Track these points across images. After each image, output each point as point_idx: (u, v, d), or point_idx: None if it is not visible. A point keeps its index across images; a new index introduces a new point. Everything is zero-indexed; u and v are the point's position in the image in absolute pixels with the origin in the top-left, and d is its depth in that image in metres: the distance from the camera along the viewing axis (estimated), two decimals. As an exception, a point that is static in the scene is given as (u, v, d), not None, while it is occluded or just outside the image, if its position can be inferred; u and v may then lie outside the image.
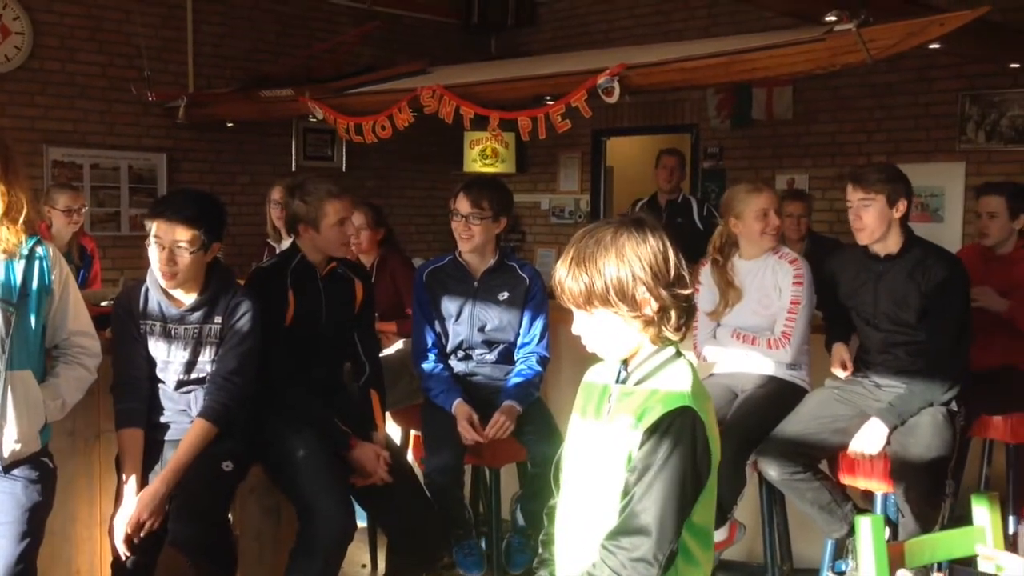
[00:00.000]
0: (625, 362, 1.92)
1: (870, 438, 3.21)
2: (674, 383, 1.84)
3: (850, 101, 6.79)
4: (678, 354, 1.88)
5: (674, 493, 1.76)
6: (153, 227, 2.98)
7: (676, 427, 1.78)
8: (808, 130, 7.05)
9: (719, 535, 3.47)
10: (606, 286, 1.81)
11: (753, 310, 3.54)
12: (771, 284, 3.51)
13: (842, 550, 3.36)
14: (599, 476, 1.87)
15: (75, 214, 5.02)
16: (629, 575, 1.78)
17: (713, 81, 5.62)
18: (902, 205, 3.28)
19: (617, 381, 1.92)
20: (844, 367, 3.46)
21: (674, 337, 1.87)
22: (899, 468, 3.15)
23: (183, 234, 2.95)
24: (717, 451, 1.85)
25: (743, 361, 3.56)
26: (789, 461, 3.27)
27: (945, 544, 2.28)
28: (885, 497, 3.30)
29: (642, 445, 1.80)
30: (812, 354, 3.60)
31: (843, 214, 6.36)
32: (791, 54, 4.40)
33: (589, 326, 1.87)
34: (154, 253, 2.98)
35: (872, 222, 3.27)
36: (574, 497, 1.95)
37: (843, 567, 3.34)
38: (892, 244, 3.32)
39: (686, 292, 1.84)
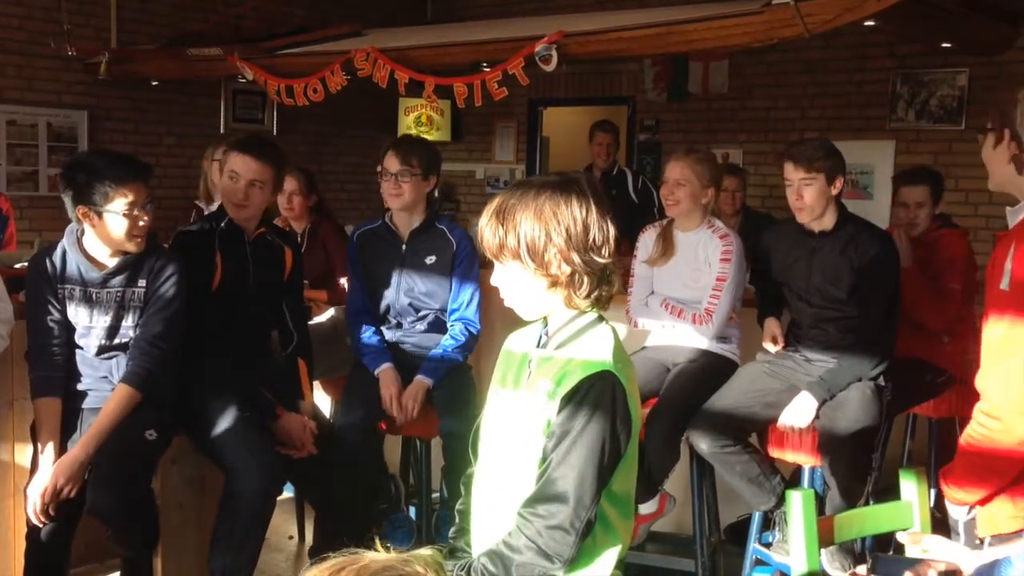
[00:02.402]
0: (548, 328, 1.90)
1: (799, 411, 3.24)
2: (594, 348, 1.82)
3: (785, 77, 6.84)
4: (600, 319, 1.86)
5: (592, 460, 1.75)
6: (127, 194, 2.85)
7: (595, 392, 1.76)
8: (743, 105, 7.09)
9: (649, 507, 3.49)
10: (518, 241, 1.79)
11: (684, 282, 3.53)
12: (703, 258, 3.51)
13: (769, 522, 3.39)
14: (517, 444, 1.84)
15: None
16: (546, 543, 1.75)
17: (651, 51, 5.61)
18: (839, 182, 3.29)
19: (538, 346, 1.90)
20: (775, 341, 3.48)
21: (583, 305, 1.85)
22: (827, 441, 3.18)
23: (143, 193, 2.88)
24: (638, 418, 1.84)
25: (675, 335, 3.56)
26: (720, 434, 3.28)
27: (873, 518, 2.30)
28: (812, 471, 3.34)
29: (560, 411, 1.78)
30: (744, 328, 3.61)
31: (776, 189, 6.44)
32: (729, 26, 4.40)
33: (501, 278, 1.87)
34: (132, 222, 2.86)
35: (812, 200, 3.27)
36: (492, 466, 1.92)
37: (770, 538, 3.38)
38: (827, 221, 3.33)
39: (602, 261, 1.82)
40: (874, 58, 6.47)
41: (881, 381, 3.25)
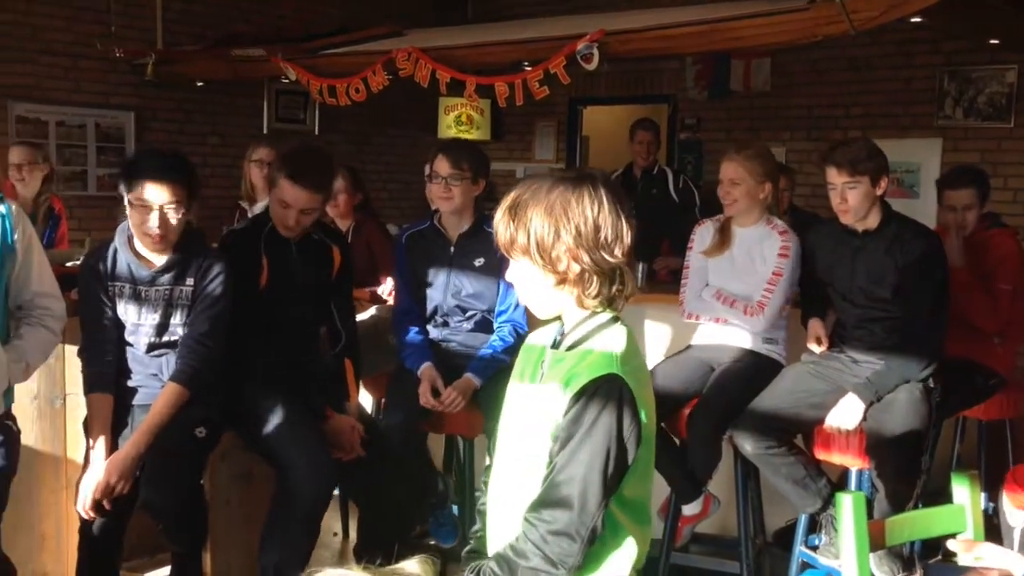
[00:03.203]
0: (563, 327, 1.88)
1: (846, 413, 3.20)
2: (603, 350, 1.78)
3: (828, 74, 6.77)
4: (613, 320, 1.83)
5: (597, 465, 1.71)
6: (137, 190, 2.87)
7: (601, 395, 1.72)
8: (786, 103, 7.02)
9: (693, 508, 3.47)
10: (528, 237, 1.77)
11: (739, 277, 3.51)
12: (758, 253, 3.49)
13: (815, 525, 3.36)
14: (528, 442, 1.81)
15: (23, 171, 4.85)
16: (551, 550, 1.72)
17: (694, 49, 5.58)
18: (883, 183, 3.26)
19: (553, 346, 1.87)
20: (819, 342, 3.45)
21: (592, 304, 1.81)
22: (875, 444, 3.15)
23: (175, 194, 2.89)
24: (651, 421, 1.79)
25: (721, 334, 3.54)
26: (764, 436, 3.26)
27: (924, 522, 2.27)
28: (860, 473, 3.30)
29: (566, 412, 1.74)
30: (789, 329, 3.58)
31: (821, 188, 6.36)
32: (774, 23, 4.37)
33: (514, 274, 1.84)
34: (141, 216, 2.89)
35: (857, 203, 3.24)
36: (505, 463, 1.89)
37: (816, 542, 3.35)
38: (871, 220, 3.30)
39: (612, 260, 1.77)
40: (920, 55, 6.38)
41: (930, 383, 3.21)
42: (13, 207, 2.67)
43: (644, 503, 1.84)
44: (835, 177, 3.25)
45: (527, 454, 1.81)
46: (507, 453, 1.89)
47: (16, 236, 2.64)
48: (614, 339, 1.79)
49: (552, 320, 1.91)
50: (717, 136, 7.41)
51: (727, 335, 3.52)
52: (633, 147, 6.11)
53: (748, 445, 3.26)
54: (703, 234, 3.66)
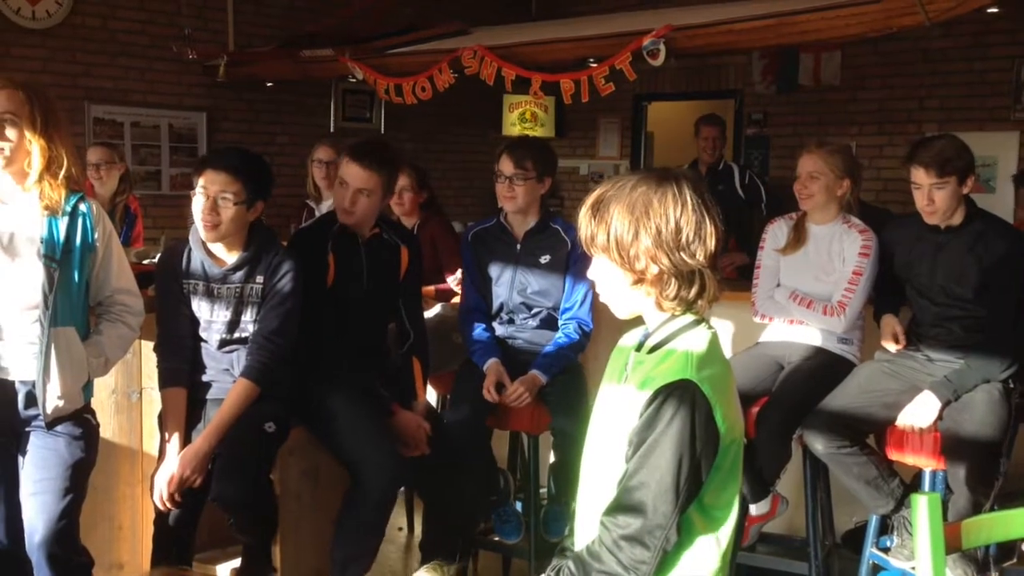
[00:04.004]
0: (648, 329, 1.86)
1: (921, 411, 3.13)
2: (679, 355, 1.75)
3: (901, 67, 6.63)
4: (696, 323, 1.80)
5: (669, 471, 1.68)
6: (201, 178, 2.97)
7: (673, 401, 1.69)
8: (856, 96, 6.90)
9: (761, 508, 3.43)
10: (608, 236, 1.75)
11: (815, 276, 3.45)
12: (836, 252, 3.43)
13: (887, 526, 3.30)
14: (611, 444, 1.80)
15: (100, 170, 4.99)
16: (623, 556, 1.71)
17: (762, 44, 5.50)
18: (970, 181, 3.17)
19: (637, 348, 1.86)
20: (896, 340, 3.38)
21: (668, 306, 1.79)
22: (952, 445, 3.07)
23: (228, 185, 2.95)
24: (731, 429, 1.74)
25: (791, 332, 3.49)
26: (836, 435, 3.19)
27: (1003, 525, 2.21)
28: (934, 474, 3.23)
29: (640, 416, 1.73)
30: (864, 329, 3.51)
31: (892, 183, 6.25)
32: (844, 16, 4.28)
33: (594, 270, 1.83)
34: (198, 204, 2.97)
35: (945, 204, 3.16)
36: (590, 464, 1.89)
37: (888, 543, 3.29)
38: (955, 217, 3.21)
39: (692, 263, 1.74)
40: (996, 46, 6.22)
41: (1010, 383, 3.12)
42: (94, 206, 2.74)
43: (726, 510, 1.80)
44: (922, 178, 3.17)
45: (609, 455, 1.80)
46: (593, 453, 1.89)
47: (97, 235, 2.71)
48: (693, 343, 1.77)
49: (633, 321, 1.90)
50: (784, 131, 7.30)
51: (797, 333, 3.47)
52: (698, 143, 6.06)
53: (819, 444, 3.21)
54: (776, 232, 3.60)
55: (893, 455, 3.26)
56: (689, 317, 1.80)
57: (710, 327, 1.82)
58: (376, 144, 3.35)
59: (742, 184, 5.99)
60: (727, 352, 3.71)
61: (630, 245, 1.74)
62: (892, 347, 3.36)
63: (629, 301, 1.82)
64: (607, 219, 1.76)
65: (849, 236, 3.43)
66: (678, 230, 1.73)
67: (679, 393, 1.69)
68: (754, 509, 3.45)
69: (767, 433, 3.32)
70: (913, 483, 3.38)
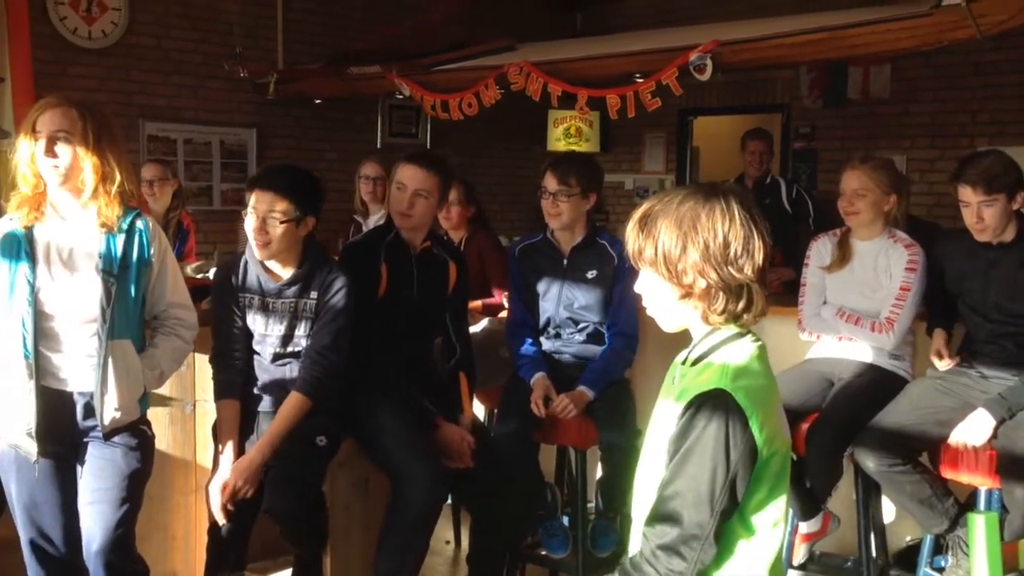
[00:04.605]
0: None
1: (975, 429, 3.08)
2: (717, 366, 1.75)
3: (953, 80, 6.54)
4: (739, 335, 1.79)
5: (703, 480, 1.68)
6: (251, 197, 3.03)
7: (707, 410, 1.69)
8: (907, 110, 6.82)
9: (812, 526, 3.40)
10: (656, 250, 1.76)
11: (861, 292, 3.42)
12: (883, 267, 3.39)
13: (941, 546, 3.24)
14: (655, 455, 1.81)
15: (154, 186, 5.08)
16: (660, 565, 1.71)
17: (811, 58, 5.47)
18: (1020, 197, 3.13)
19: (683, 363, 1.86)
20: (940, 356, 3.33)
21: (715, 320, 1.78)
22: (1007, 463, 3.01)
23: (276, 204, 3.00)
24: (770, 440, 1.72)
25: (841, 347, 3.45)
26: (888, 452, 3.15)
27: (1062, 545, 2.18)
28: (989, 493, 3.17)
29: (676, 426, 1.74)
30: (915, 345, 3.47)
31: (944, 197, 6.16)
32: (895, 29, 4.25)
33: (642, 284, 1.84)
34: (249, 223, 3.02)
35: (994, 221, 3.11)
36: (640, 475, 1.89)
37: (942, 563, 3.23)
38: (1007, 233, 3.17)
39: (740, 277, 1.74)
40: (1051, 59, 6.12)
41: (1067, 401, 3.06)
42: (150, 223, 2.79)
43: (771, 524, 1.78)
44: (970, 196, 3.13)
45: (654, 467, 1.81)
46: (642, 464, 1.89)
47: (153, 250, 2.77)
48: (733, 355, 1.77)
49: (684, 335, 1.90)
50: (832, 145, 7.24)
51: (848, 349, 3.44)
52: (745, 157, 6.03)
53: (871, 462, 3.17)
54: (820, 249, 3.58)
55: (947, 473, 3.21)
56: (732, 329, 1.80)
57: (757, 339, 1.82)
58: (431, 151, 3.41)
59: (789, 198, 5.94)
60: (776, 370, 3.70)
61: (678, 259, 1.75)
62: (939, 364, 3.31)
63: (676, 315, 1.83)
64: (655, 233, 1.77)
65: (895, 251, 3.39)
66: (726, 244, 1.73)
67: (712, 402, 1.70)
68: (805, 527, 3.42)
69: (818, 450, 3.28)
70: (968, 502, 3.32)
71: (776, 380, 1.85)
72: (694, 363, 1.81)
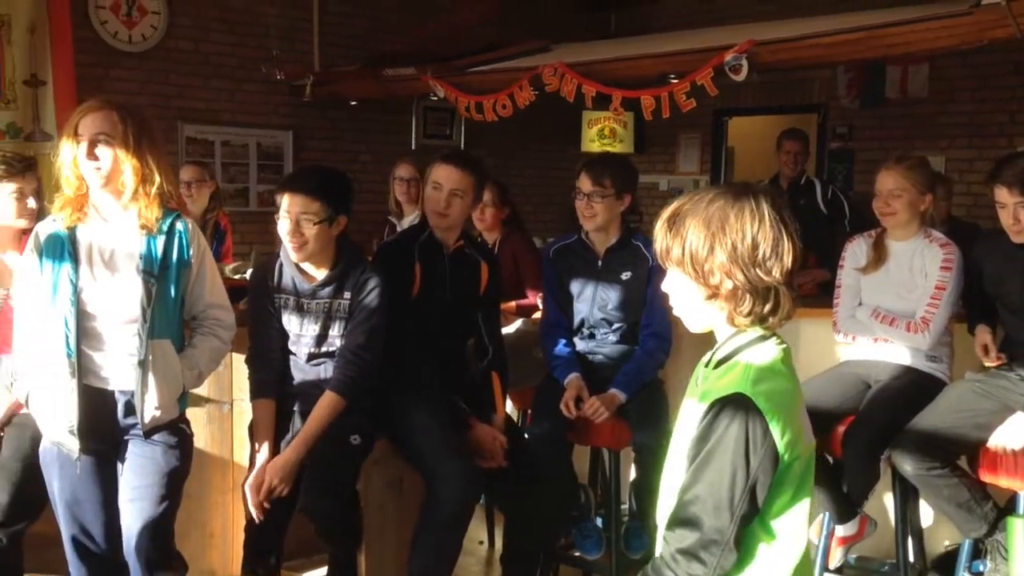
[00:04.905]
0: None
1: (1015, 432, 3.05)
2: (739, 369, 1.73)
3: (992, 79, 6.45)
4: (763, 338, 1.77)
5: (723, 485, 1.66)
6: (283, 200, 3.05)
7: (727, 414, 1.68)
8: (945, 109, 6.74)
9: (848, 529, 3.37)
10: (683, 250, 1.74)
11: (897, 293, 3.40)
12: (918, 267, 3.36)
13: (980, 550, 3.21)
14: (678, 457, 1.80)
15: (192, 188, 5.15)
16: (680, 570, 1.70)
17: (848, 58, 5.41)
18: None
19: (706, 365, 1.85)
20: (986, 351, 3.29)
21: (741, 322, 1.76)
22: (1048, 468, 2.98)
23: (308, 206, 3.02)
24: (791, 445, 1.70)
25: (878, 350, 3.42)
26: (926, 456, 3.12)
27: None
28: (1030, 497, 3.13)
29: (696, 430, 1.73)
30: (953, 346, 3.43)
31: (981, 198, 6.08)
32: (934, 28, 4.20)
33: (669, 284, 1.82)
34: (283, 226, 3.05)
35: None
36: (665, 477, 1.88)
37: (981, 567, 3.19)
38: (1045, 234, 3.13)
39: (768, 279, 1.72)
40: (1092, 57, 6.02)
41: (1109, 404, 3.02)
42: (190, 224, 2.83)
43: (792, 529, 1.76)
44: (1006, 197, 3.09)
45: (676, 469, 1.80)
46: (668, 465, 1.88)
47: (192, 251, 2.80)
48: (755, 357, 1.75)
49: (713, 335, 1.89)
50: (870, 145, 7.17)
51: (885, 351, 3.41)
52: (780, 157, 5.99)
53: (908, 465, 3.14)
54: (855, 251, 3.55)
55: (986, 477, 3.17)
56: (756, 332, 1.78)
57: (781, 342, 1.80)
58: (465, 152, 3.43)
59: (824, 199, 5.89)
60: (811, 371, 3.68)
61: (705, 260, 1.73)
62: (985, 359, 3.28)
63: (702, 315, 1.82)
64: (683, 233, 1.75)
65: (930, 250, 3.36)
66: (754, 246, 1.71)
67: (732, 407, 1.68)
68: (841, 530, 3.39)
69: (854, 453, 3.26)
70: (1007, 506, 3.28)
71: (800, 383, 1.83)
72: (717, 365, 1.80)
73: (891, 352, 3.40)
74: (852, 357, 3.53)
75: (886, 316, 3.38)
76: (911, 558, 3.34)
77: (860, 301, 3.50)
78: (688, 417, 1.83)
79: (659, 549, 1.87)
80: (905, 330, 3.32)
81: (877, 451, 3.25)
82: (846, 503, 3.34)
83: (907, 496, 3.33)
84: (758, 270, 1.71)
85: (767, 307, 1.75)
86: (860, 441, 3.25)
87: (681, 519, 1.71)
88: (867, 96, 7.07)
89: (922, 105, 6.83)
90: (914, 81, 6.80)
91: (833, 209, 5.82)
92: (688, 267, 1.75)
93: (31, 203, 3.11)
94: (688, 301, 1.81)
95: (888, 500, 3.38)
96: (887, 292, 3.42)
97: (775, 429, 1.68)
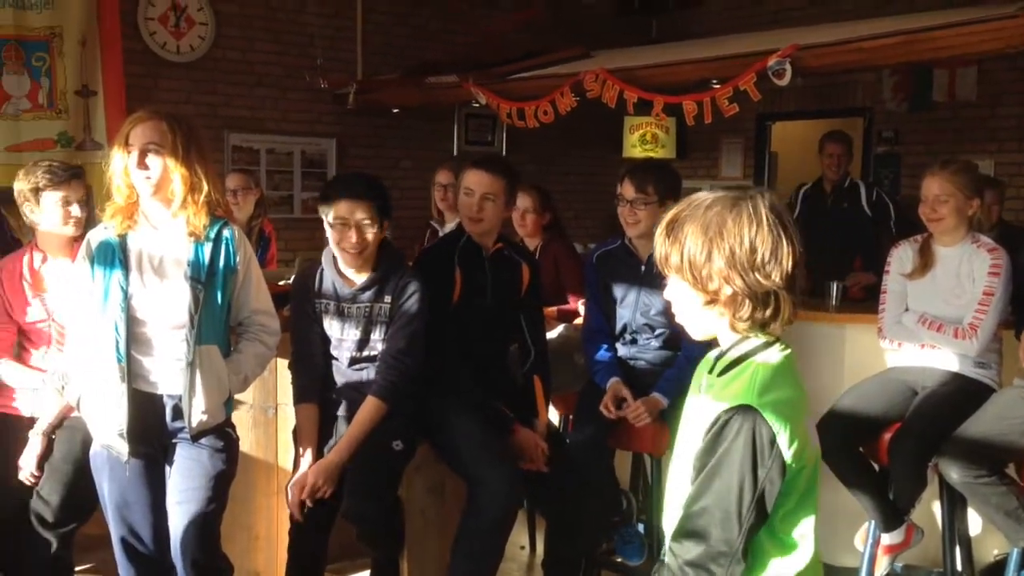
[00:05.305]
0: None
1: (1065, 442, 3.00)
2: (745, 378, 1.71)
3: (1042, 82, 6.35)
4: (767, 345, 1.74)
5: (730, 497, 1.65)
6: (333, 209, 3.08)
7: (734, 427, 1.66)
8: (994, 113, 6.63)
9: (895, 537, 3.33)
10: (681, 256, 1.73)
11: (944, 299, 3.35)
12: (966, 273, 3.32)
13: (1030, 560, 3.15)
14: (682, 463, 1.78)
15: (238, 195, 5.21)
16: None
17: (892, 61, 5.34)
18: None
19: (710, 370, 1.82)
20: None
21: (741, 328, 1.74)
22: (1100, 476, 2.92)
23: (367, 211, 3.07)
24: (798, 455, 1.68)
25: (925, 356, 3.38)
26: (973, 463, 3.08)
27: None
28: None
29: (703, 441, 1.70)
30: (1003, 353, 3.38)
31: (1033, 202, 5.95)
32: (979, 32, 4.15)
33: (670, 290, 1.80)
34: (339, 234, 3.08)
35: None
36: (670, 480, 1.86)
37: (1031, 578, 3.14)
38: (1094, 238, 3.08)
39: (767, 284, 1.69)
40: None
41: None
42: (236, 232, 2.88)
43: (801, 538, 1.74)
44: None
45: (680, 475, 1.79)
46: (673, 470, 1.86)
47: (238, 258, 2.85)
48: (760, 367, 1.73)
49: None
50: (916, 149, 7.08)
51: (932, 357, 3.36)
52: (823, 160, 5.92)
53: (955, 473, 3.10)
54: (901, 256, 3.51)
55: (1036, 486, 3.12)
56: (760, 339, 1.76)
57: (785, 347, 1.77)
58: (496, 155, 3.43)
59: (869, 202, 5.80)
60: (857, 377, 3.64)
61: (703, 266, 1.71)
62: None
63: (703, 322, 1.79)
64: (681, 239, 1.74)
65: (978, 256, 3.32)
66: (752, 250, 1.69)
67: (740, 419, 1.66)
68: (887, 539, 3.35)
69: (901, 460, 3.22)
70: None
71: (805, 390, 1.78)
72: (721, 372, 1.78)
73: (938, 358, 3.36)
74: (899, 363, 3.49)
75: (933, 322, 3.34)
76: (959, 567, 3.29)
77: (906, 307, 3.46)
78: (692, 419, 1.81)
79: (665, 556, 1.86)
80: (953, 336, 3.28)
81: (924, 458, 3.21)
82: (892, 511, 3.30)
83: (955, 504, 3.28)
84: (757, 275, 1.69)
85: (767, 312, 1.73)
86: (907, 448, 3.21)
87: (688, 531, 1.70)
88: (915, 99, 6.98)
89: (971, 108, 6.73)
90: (962, 84, 6.70)
91: (878, 212, 5.74)
92: (687, 273, 1.74)
93: (75, 211, 3.18)
94: (688, 308, 1.79)
95: (935, 508, 3.34)
96: (934, 298, 3.38)
97: (782, 439, 1.66)
